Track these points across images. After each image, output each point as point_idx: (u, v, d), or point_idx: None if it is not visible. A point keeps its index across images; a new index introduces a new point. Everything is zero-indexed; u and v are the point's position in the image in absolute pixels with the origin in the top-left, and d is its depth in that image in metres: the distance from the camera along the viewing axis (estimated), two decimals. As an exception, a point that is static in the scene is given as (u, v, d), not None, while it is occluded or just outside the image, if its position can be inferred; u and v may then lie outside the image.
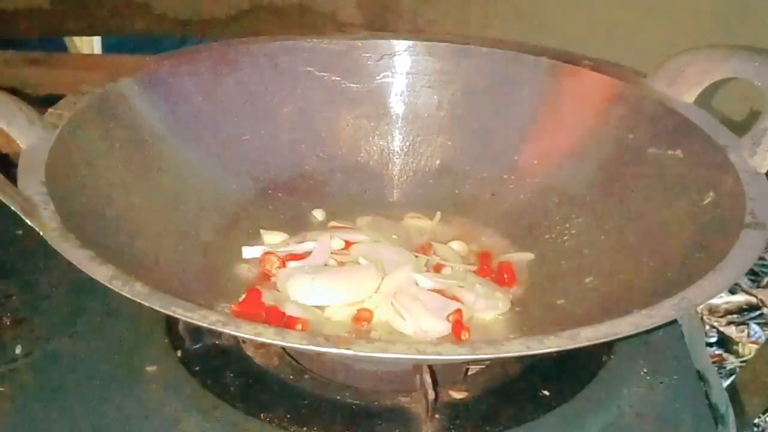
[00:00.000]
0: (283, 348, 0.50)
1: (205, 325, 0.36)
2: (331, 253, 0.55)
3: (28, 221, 0.41)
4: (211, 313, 0.37)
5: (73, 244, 0.40)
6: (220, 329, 0.36)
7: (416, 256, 0.55)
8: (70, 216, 0.43)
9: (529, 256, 0.57)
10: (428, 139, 0.67)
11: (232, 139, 0.62)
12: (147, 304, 0.37)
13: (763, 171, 0.49)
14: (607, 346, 0.51)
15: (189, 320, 0.37)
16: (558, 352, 0.37)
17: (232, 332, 0.36)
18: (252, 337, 0.36)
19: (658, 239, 0.50)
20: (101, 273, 0.39)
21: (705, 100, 0.56)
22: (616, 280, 0.51)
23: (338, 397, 0.47)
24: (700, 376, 0.50)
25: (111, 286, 0.38)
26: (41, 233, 0.41)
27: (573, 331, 0.37)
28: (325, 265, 0.54)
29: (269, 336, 0.36)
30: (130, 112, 0.56)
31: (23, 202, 0.42)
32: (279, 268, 0.54)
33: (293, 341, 0.36)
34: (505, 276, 0.55)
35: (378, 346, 0.36)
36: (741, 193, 0.47)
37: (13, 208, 0.41)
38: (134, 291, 0.38)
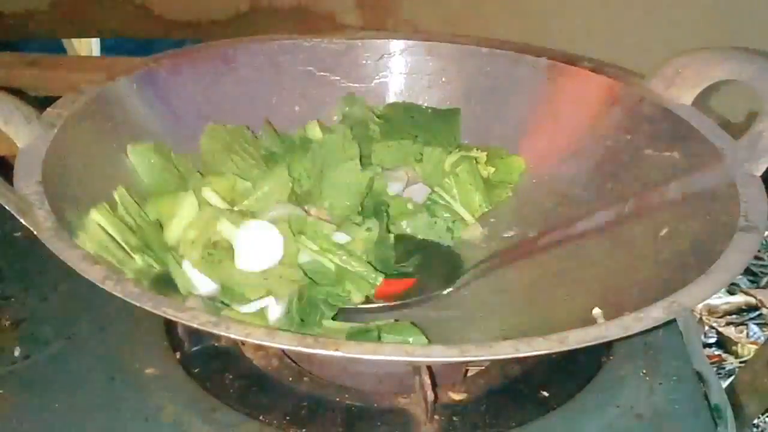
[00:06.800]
0: (282, 350, 0.50)
1: (195, 325, 0.36)
2: None
3: (22, 221, 0.41)
4: (202, 314, 0.37)
5: (67, 244, 0.40)
6: (210, 330, 0.36)
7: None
8: (65, 215, 0.43)
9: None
10: (427, 139, 0.67)
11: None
12: (138, 304, 0.37)
13: (759, 174, 0.49)
14: (606, 347, 0.51)
15: (179, 321, 0.37)
16: (548, 355, 0.36)
17: (222, 333, 0.36)
18: (241, 338, 0.36)
19: (653, 241, 0.50)
20: (94, 273, 0.39)
21: (703, 101, 0.56)
22: (611, 281, 0.51)
23: (337, 399, 0.47)
24: (699, 377, 0.50)
25: (103, 286, 0.38)
26: (35, 233, 0.41)
27: (562, 334, 0.36)
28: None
29: (259, 337, 0.36)
30: (128, 111, 0.56)
31: (19, 201, 0.42)
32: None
33: (283, 342, 0.36)
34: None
35: (367, 348, 0.36)
36: (735, 196, 0.47)
37: (8, 207, 0.41)
38: (126, 291, 0.38)
